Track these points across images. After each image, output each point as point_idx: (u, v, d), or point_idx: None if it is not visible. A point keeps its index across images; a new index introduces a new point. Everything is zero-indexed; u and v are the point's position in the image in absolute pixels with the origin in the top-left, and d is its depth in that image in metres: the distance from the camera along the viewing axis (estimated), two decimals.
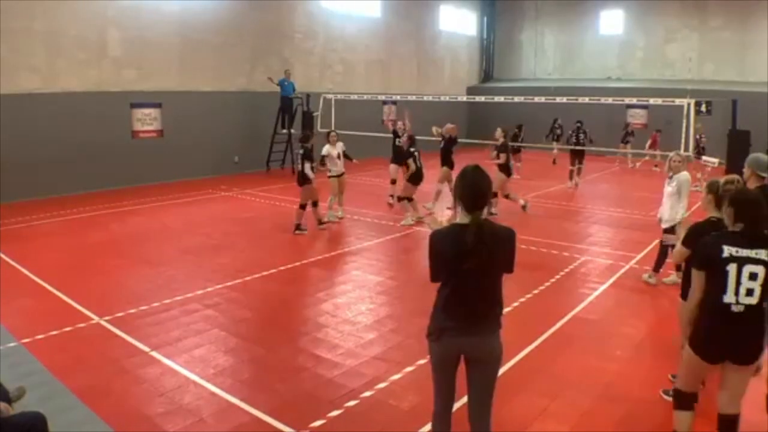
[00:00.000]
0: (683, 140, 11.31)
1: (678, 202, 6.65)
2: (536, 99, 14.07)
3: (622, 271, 7.53)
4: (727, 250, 3.03)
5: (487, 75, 26.67)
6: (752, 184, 4.44)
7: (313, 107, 16.18)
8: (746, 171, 4.61)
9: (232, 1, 15.40)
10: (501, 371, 4.65)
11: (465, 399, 4.22)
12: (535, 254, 8.35)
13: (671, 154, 6.94)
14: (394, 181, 11.80)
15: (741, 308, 3.01)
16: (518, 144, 15.02)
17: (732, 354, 3.11)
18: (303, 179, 9.37)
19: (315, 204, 9.60)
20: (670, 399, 3.75)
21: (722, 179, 3.85)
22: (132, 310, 5.93)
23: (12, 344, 5.02)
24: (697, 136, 15.02)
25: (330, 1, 18.57)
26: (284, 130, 16.00)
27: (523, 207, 10.56)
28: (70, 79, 12.47)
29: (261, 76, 16.44)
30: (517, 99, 14.39)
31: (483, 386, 3.00)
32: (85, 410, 3.98)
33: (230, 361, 4.89)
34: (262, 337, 5.46)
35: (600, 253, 8.38)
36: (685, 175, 6.71)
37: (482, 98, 17.90)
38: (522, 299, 6.41)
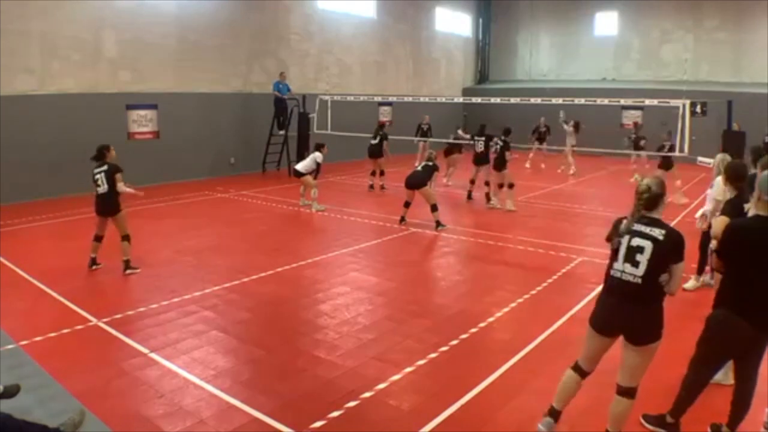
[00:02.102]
0: (678, 141, 11.37)
1: None
2: (532, 100, 14.10)
3: None
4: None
5: (482, 76, 26.73)
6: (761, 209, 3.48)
7: (309, 108, 16.18)
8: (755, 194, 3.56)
9: (228, 2, 15.39)
10: (500, 371, 4.72)
11: (464, 400, 4.26)
12: (532, 255, 8.37)
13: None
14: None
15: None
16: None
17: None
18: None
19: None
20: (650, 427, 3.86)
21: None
22: (130, 312, 5.91)
23: (10, 346, 5.00)
24: (633, 135, 15.41)
25: (326, 2, 18.58)
26: (281, 132, 15.99)
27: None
28: (65, 80, 12.43)
29: (257, 78, 16.44)
30: (513, 100, 14.40)
31: None
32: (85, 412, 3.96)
33: (230, 363, 4.88)
34: (261, 339, 5.45)
35: (597, 254, 8.39)
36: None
37: (478, 99, 17.92)
38: (520, 300, 6.43)
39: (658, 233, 3.30)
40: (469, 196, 12.65)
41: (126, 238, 7.30)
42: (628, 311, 3.36)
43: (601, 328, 3.50)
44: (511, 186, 11.51)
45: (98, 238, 7.39)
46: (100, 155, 7.36)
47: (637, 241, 3.32)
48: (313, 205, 11.41)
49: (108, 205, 7.27)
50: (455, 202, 12.41)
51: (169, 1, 14.13)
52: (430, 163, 10.26)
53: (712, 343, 3.60)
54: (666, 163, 12.93)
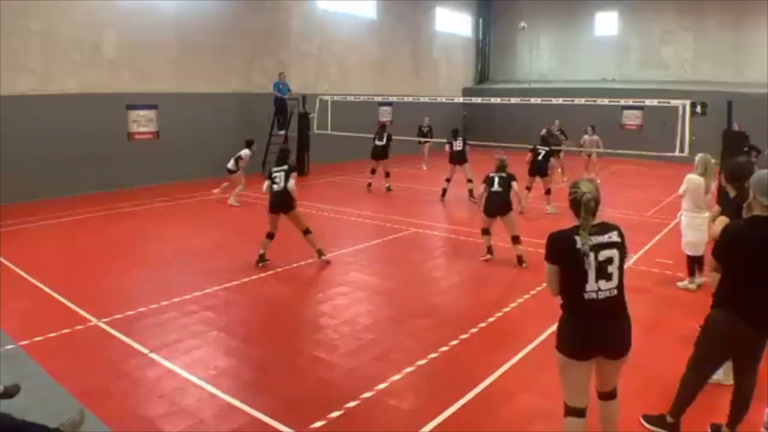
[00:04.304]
0: (678, 141, 11.37)
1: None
2: (532, 100, 14.10)
3: None
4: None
5: (482, 76, 26.73)
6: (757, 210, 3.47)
7: (309, 109, 16.18)
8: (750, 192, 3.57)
9: (228, 2, 15.39)
10: (501, 371, 4.72)
11: (464, 400, 4.26)
12: (532, 255, 8.33)
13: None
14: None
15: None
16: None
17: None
18: None
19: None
20: (651, 427, 3.84)
21: None
22: (130, 312, 5.91)
23: (10, 346, 5.00)
24: (558, 131, 15.61)
25: (326, 2, 18.59)
26: (281, 132, 16.00)
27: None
28: (65, 80, 12.44)
29: (257, 78, 16.43)
30: (513, 100, 14.40)
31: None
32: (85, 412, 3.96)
33: (230, 363, 4.89)
34: (261, 339, 5.46)
35: None
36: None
37: (479, 100, 17.90)
38: (520, 300, 6.44)
39: (615, 236, 3.14)
40: (443, 194, 12.85)
41: (307, 231, 7.67)
42: (614, 329, 3.17)
43: (583, 355, 3.18)
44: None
45: (270, 236, 7.65)
46: (285, 158, 7.83)
47: (605, 254, 3.07)
48: (231, 198, 11.86)
49: (284, 202, 7.54)
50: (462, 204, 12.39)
51: (169, 2, 14.13)
52: (504, 175, 7.99)
53: (710, 343, 3.60)
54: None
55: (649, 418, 3.89)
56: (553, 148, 12.92)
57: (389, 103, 20.50)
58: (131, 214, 11.01)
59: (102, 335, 5.39)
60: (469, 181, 12.49)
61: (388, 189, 13.65)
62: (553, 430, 3.86)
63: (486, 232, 8.01)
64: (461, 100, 21.80)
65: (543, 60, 24.94)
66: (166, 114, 14.25)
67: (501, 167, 8.07)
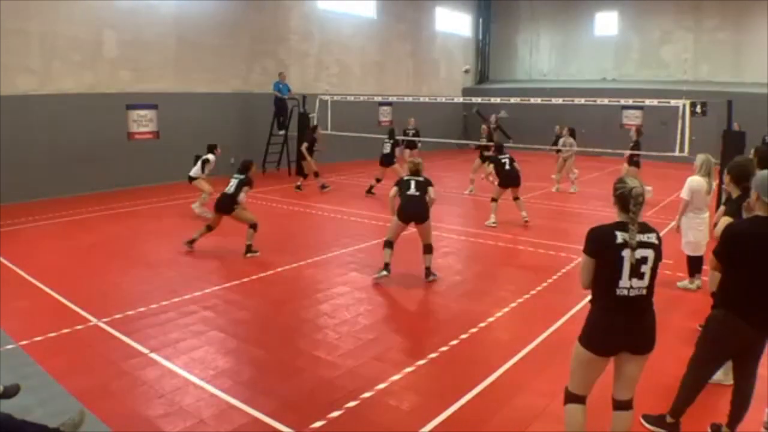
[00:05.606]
0: (678, 141, 11.37)
1: None
2: (532, 100, 14.10)
3: None
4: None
5: (482, 76, 26.73)
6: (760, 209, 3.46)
7: (309, 109, 16.19)
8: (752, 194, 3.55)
9: (228, 2, 15.39)
10: (500, 371, 4.72)
11: (464, 400, 4.26)
12: (532, 255, 8.38)
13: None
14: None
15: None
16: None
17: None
18: None
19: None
20: (650, 427, 3.84)
21: None
22: (130, 312, 5.91)
23: (10, 346, 5.00)
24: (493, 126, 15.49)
25: (326, 2, 18.59)
26: (281, 132, 16.01)
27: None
28: (65, 80, 12.44)
29: (257, 78, 16.44)
30: (513, 100, 14.41)
31: None
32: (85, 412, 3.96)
33: (230, 363, 4.89)
34: (261, 339, 5.46)
35: None
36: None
37: (478, 99, 17.90)
38: (520, 300, 6.44)
39: (654, 238, 3.15)
40: (369, 190, 13.05)
41: (252, 226, 8.16)
42: (641, 325, 3.18)
43: (609, 351, 3.21)
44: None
45: (210, 228, 8.33)
46: (245, 169, 8.38)
47: (641, 253, 3.09)
48: (196, 203, 10.95)
49: (226, 204, 8.15)
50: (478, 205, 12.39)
51: (169, 1, 14.13)
52: (421, 178, 7.20)
53: (711, 343, 3.60)
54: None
55: (649, 418, 3.89)
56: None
57: (389, 103, 20.50)
58: (131, 214, 11.00)
59: (102, 335, 5.39)
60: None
61: (297, 188, 13.52)
62: (553, 430, 3.86)
63: (389, 245, 7.13)
64: (461, 100, 21.81)
65: (543, 60, 24.95)
66: (166, 114, 14.24)
67: (415, 171, 7.27)
